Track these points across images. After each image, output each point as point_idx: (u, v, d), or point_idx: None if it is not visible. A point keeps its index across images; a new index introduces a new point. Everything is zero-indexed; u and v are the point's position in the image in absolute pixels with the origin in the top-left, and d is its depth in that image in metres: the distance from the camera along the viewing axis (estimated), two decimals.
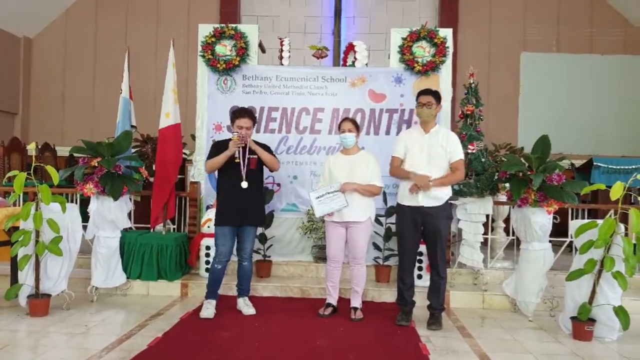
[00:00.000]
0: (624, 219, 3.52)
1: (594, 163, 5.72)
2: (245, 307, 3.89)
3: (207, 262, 4.53)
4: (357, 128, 3.89)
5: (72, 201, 4.77)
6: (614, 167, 5.65)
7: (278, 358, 3.02)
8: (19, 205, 4.20)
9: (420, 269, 4.41)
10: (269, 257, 4.73)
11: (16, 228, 3.72)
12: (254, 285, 4.40)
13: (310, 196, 3.78)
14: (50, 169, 3.70)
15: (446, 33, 4.87)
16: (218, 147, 3.89)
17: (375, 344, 3.31)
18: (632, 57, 7.70)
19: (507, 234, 4.86)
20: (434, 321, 3.68)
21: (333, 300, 3.92)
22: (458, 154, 3.65)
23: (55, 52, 8.17)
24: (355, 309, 3.84)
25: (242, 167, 3.78)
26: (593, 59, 7.76)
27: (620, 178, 5.30)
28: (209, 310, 3.76)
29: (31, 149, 3.93)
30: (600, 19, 7.76)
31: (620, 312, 3.37)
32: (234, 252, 3.94)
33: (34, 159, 3.92)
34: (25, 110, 8.12)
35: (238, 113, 3.88)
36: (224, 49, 4.91)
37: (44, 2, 7.82)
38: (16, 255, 3.70)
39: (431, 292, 3.73)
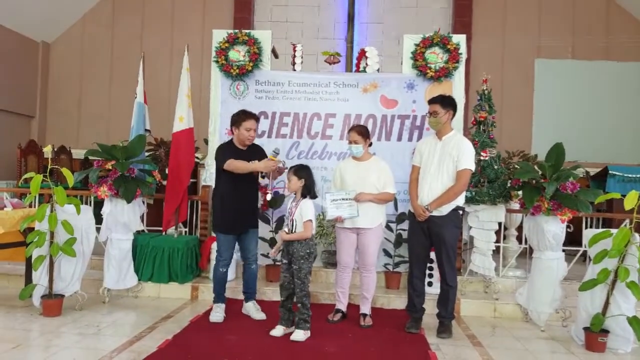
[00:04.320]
0: (639, 228, 3.46)
1: (609, 171, 5.63)
2: (256, 312, 3.89)
3: None
4: (366, 136, 3.84)
5: (86, 203, 4.83)
6: (630, 175, 5.56)
7: None
8: (35, 207, 4.27)
9: (430, 276, 4.38)
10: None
11: (31, 229, 3.79)
12: (263, 289, 4.42)
13: (326, 197, 3.77)
14: (65, 171, 3.76)
15: (459, 39, 4.86)
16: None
17: (384, 351, 3.29)
18: None
19: (520, 243, 4.81)
20: (444, 329, 3.65)
21: (342, 306, 3.91)
22: (463, 162, 3.55)
23: (72, 57, 8.31)
24: (365, 315, 3.82)
25: (269, 179, 3.82)
26: (609, 66, 7.64)
27: (636, 187, 5.21)
28: (218, 314, 3.78)
29: (47, 151, 3.99)
30: (616, 25, 7.65)
31: (635, 323, 3.31)
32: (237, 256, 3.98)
33: (49, 161, 4.00)
34: (42, 114, 8.27)
35: (244, 115, 3.76)
36: (238, 54, 4.95)
37: (61, 8, 7.96)
38: (31, 256, 3.76)
39: (440, 301, 3.70)
